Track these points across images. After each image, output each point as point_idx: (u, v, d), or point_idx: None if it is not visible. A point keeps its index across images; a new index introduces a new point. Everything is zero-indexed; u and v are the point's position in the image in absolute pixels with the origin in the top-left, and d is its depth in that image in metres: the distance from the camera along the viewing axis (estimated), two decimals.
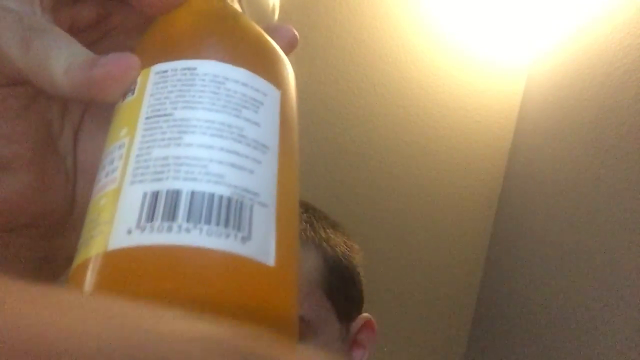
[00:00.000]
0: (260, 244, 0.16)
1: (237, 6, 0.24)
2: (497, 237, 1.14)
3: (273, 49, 0.22)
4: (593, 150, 0.86)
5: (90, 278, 0.15)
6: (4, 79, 0.21)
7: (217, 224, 0.15)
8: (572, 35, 0.96)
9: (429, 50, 1.05)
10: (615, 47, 0.84)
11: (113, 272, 0.15)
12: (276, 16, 0.29)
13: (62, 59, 0.19)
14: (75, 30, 0.24)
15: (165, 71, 0.18)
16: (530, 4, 1.03)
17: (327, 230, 0.64)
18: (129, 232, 0.15)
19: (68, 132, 0.25)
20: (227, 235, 0.15)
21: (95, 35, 0.25)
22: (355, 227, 0.78)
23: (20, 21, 0.21)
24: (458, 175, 1.12)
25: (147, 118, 0.17)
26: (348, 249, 0.65)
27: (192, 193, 0.16)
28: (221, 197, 0.16)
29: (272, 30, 0.25)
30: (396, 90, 1.07)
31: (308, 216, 0.65)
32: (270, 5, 0.29)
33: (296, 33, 0.27)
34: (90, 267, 0.15)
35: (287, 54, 0.25)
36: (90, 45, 0.25)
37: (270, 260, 0.16)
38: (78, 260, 0.16)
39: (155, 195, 0.16)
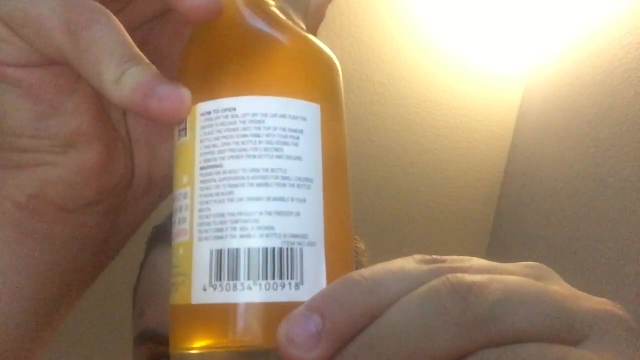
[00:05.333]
0: (312, 285, 0.18)
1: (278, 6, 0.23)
2: (496, 238, 1.15)
3: (310, 55, 0.22)
4: (591, 158, 0.87)
5: (183, 324, 0.19)
6: (49, 59, 0.21)
7: (273, 277, 0.18)
8: (569, 43, 0.96)
9: (429, 48, 1.06)
10: (612, 54, 0.85)
11: (196, 321, 0.19)
12: None
13: (112, 67, 0.19)
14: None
15: (209, 112, 0.20)
16: (528, 13, 1.03)
17: None
18: (205, 289, 0.18)
19: None
20: (283, 286, 0.18)
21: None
22: (353, 227, 0.78)
23: None
24: (458, 176, 1.13)
25: (201, 169, 0.20)
26: None
27: (249, 251, 0.18)
28: (274, 251, 0.18)
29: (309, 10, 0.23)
30: (396, 90, 1.07)
31: None
32: None
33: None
34: (182, 314, 0.19)
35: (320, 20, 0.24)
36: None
37: None
38: (173, 300, 0.20)
39: (220, 254, 0.18)
